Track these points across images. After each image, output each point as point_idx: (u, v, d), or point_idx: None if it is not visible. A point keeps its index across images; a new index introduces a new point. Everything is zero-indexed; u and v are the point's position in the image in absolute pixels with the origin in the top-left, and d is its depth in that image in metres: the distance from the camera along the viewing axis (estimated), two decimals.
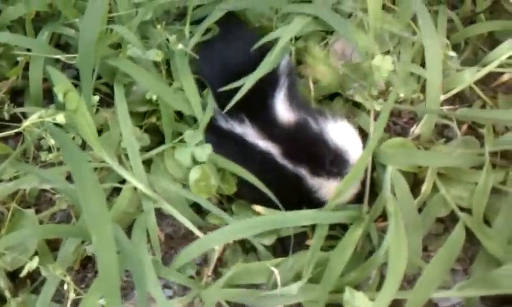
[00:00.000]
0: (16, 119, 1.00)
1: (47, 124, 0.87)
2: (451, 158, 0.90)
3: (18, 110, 1.02)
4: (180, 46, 0.94)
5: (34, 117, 0.88)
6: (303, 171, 0.89)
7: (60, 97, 0.84)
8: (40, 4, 1.07)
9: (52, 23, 1.09)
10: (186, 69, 0.94)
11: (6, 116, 1.01)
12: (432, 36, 0.93)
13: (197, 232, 0.86)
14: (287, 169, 0.89)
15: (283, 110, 0.94)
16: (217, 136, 0.92)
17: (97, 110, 0.99)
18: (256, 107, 0.93)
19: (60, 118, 0.87)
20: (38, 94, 1.04)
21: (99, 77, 1.02)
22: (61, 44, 1.13)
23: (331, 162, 0.89)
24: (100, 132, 1.00)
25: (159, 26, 0.96)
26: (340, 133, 0.92)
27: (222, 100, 0.92)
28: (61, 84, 0.85)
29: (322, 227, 0.86)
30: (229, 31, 1.02)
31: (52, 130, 0.75)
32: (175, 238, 0.96)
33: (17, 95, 1.11)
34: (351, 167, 0.88)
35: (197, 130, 0.91)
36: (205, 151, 0.89)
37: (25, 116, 1.04)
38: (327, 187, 0.89)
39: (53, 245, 0.90)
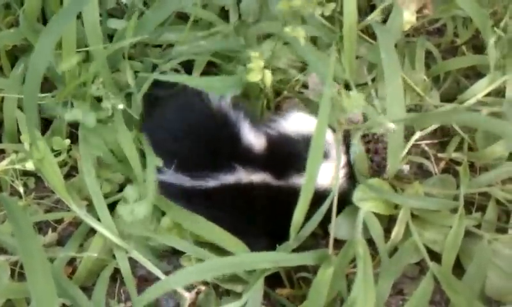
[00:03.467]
0: None
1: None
2: (425, 202, 0.89)
3: None
4: (120, 106, 0.90)
5: (4, 163, 0.88)
6: (295, 178, 0.89)
7: (26, 146, 0.83)
8: (15, 38, 1.06)
9: (28, 55, 1.08)
10: (124, 129, 0.91)
11: None
12: (394, 76, 0.91)
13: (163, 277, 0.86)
14: (284, 187, 0.89)
15: (254, 138, 0.94)
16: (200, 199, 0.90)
17: (70, 148, 0.98)
18: (234, 150, 0.92)
19: (29, 165, 0.87)
20: (13, 131, 1.03)
21: None
22: None
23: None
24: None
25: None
26: (298, 123, 0.95)
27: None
28: (28, 133, 0.84)
29: None
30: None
31: (5, 200, 0.74)
32: (150, 281, 0.95)
33: None
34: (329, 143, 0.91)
35: (136, 185, 0.90)
36: (143, 209, 0.88)
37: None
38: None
39: None
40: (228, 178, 0.88)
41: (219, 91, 0.93)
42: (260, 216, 0.91)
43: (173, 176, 0.89)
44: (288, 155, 0.92)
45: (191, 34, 1.04)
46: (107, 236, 0.87)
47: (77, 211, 0.86)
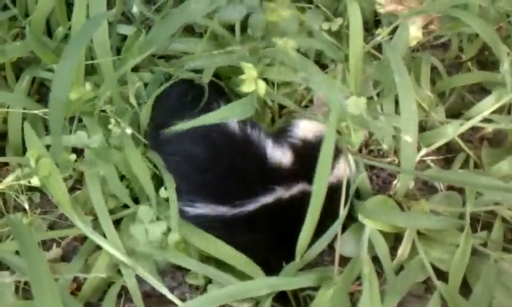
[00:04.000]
0: None
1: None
2: (431, 221, 0.89)
3: None
4: (129, 130, 0.90)
5: (9, 179, 0.88)
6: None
7: (32, 163, 0.83)
8: (21, 51, 1.06)
9: (33, 67, 1.08)
10: (134, 153, 0.91)
11: None
12: (408, 97, 0.91)
13: (175, 300, 0.86)
14: None
15: (280, 154, 0.94)
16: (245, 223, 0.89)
17: (75, 160, 0.97)
18: (268, 172, 0.92)
19: (35, 181, 0.86)
20: (17, 144, 1.03)
21: None
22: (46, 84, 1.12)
23: None
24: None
25: None
26: (310, 128, 0.98)
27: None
28: (34, 150, 0.84)
29: None
30: None
31: (12, 221, 0.74)
32: (153, 296, 0.95)
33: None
34: None
35: (151, 206, 0.89)
36: (159, 229, 0.87)
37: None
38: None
39: None
40: (267, 199, 0.88)
41: (241, 116, 0.90)
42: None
43: (208, 208, 0.88)
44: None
45: (199, 46, 1.05)
46: (113, 254, 0.86)
47: (82, 228, 0.85)
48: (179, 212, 0.88)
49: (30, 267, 0.64)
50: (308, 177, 0.88)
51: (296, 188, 0.91)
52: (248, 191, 0.88)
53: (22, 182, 0.86)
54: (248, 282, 0.84)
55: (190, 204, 0.89)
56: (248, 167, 0.91)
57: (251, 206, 0.88)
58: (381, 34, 1.01)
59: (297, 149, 0.96)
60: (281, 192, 0.89)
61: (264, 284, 0.83)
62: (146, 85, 1.05)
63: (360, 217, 0.91)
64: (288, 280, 0.85)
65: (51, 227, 1.00)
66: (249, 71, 0.88)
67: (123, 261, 0.86)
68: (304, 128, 1.00)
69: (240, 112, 0.88)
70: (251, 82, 0.88)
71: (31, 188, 0.97)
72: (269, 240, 0.91)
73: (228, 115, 0.89)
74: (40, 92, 1.12)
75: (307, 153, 0.94)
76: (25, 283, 0.89)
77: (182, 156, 0.91)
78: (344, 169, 0.91)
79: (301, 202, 0.87)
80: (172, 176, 0.90)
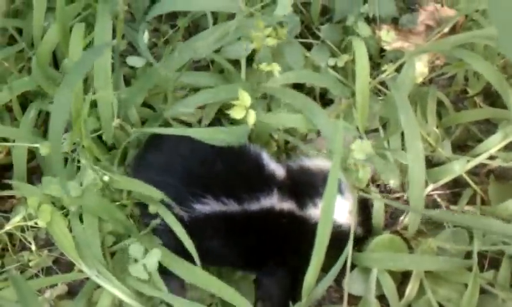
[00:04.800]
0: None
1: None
2: (439, 262, 0.89)
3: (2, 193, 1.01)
4: (106, 177, 0.88)
5: (16, 220, 0.87)
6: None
7: (33, 211, 0.83)
8: (27, 86, 1.06)
9: (40, 99, 1.08)
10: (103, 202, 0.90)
11: None
12: (414, 136, 0.91)
13: None
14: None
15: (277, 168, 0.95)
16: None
17: None
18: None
19: (42, 223, 0.86)
20: (22, 177, 1.02)
21: None
22: None
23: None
24: None
25: None
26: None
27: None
28: (34, 197, 0.84)
29: None
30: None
31: (13, 278, 0.72)
32: None
33: (5, 170, 1.10)
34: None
35: (137, 241, 0.87)
36: (154, 259, 0.85)
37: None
38: None
39: None
40: (267, 202, 0.88)
41: (225, 141, 0.91)
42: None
43: (215, 204, 0.87)
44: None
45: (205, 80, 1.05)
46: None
47: (87, 272, 0.85)
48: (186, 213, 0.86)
49: None
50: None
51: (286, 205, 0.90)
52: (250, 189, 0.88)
53: (29, 223, 0.86)
54: None
55: (200, 201, 0.87)
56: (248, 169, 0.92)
57: (254, 205, 0.87)
58: (387, 70, 1.01)
59: (292, 172, 0.95)
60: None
61: None
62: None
63: (367, 261, 0.91)
64: None
65: (57, 260, 1.00)
66: (244, 98, 0.89)
67: (131, 304, 0.85)
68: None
69: (234, 138, 0.90)
70: (242, 109, 0.90)
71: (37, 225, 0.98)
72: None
73: (223, 137, 0.90)
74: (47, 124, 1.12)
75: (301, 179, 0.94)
76: None
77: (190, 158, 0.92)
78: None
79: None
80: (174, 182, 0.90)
